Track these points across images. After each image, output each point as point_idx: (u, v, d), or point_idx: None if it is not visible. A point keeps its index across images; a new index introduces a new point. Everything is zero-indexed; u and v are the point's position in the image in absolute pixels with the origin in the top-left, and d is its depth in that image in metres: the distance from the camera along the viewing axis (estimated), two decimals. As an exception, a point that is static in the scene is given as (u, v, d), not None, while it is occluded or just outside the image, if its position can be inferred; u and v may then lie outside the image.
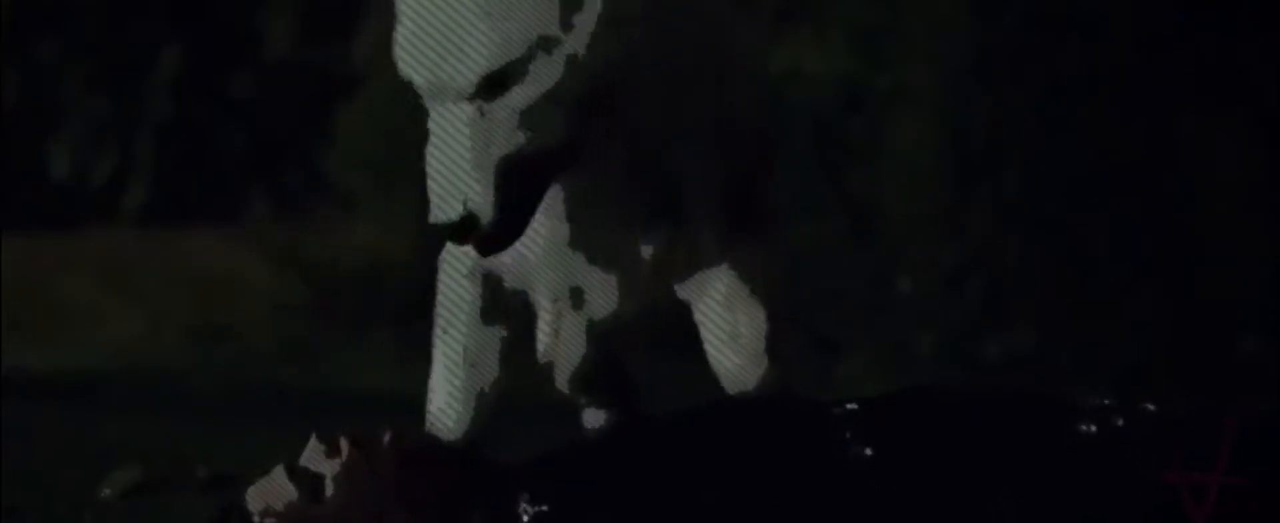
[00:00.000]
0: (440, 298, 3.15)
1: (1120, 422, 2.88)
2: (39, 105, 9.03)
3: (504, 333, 3.14)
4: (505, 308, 3.14)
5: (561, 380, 3.32)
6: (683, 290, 3.15)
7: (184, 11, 9.01)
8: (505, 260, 3.04)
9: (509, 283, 3.12)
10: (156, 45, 8.99)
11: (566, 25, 2.89)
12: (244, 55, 9.02)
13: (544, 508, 2.89)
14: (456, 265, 3.14)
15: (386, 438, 2.97)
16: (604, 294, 3.11)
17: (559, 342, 3.24)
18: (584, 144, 2.94)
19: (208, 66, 9.00)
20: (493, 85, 2.88)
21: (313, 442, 2.98)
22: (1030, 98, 6.78)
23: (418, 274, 7.43)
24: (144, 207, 8.92)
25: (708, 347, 3.15)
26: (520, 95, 2.89)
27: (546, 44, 2.88)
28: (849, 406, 2.93)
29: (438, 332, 3.15)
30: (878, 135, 6.90)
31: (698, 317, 3.15)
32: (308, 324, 7.78)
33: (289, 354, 7.42)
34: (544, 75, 2.89)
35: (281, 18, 8.98)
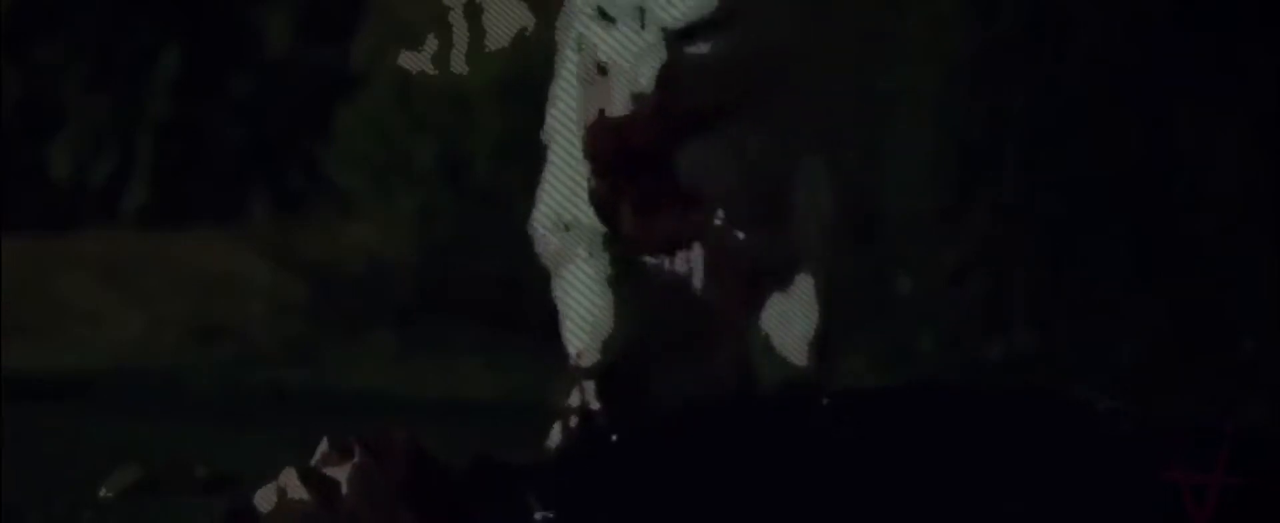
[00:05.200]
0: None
1: (1121, 422, 2.88)
2: (39, 105, 9.03)
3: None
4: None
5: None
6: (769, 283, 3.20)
7: (184, 11, 9.00)
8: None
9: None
10: (156, 45, 8.99)
11: None
12: (244, 55, 9.02)
13: (551, 510, 2.89)
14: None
15: (397, 440, 2.97)
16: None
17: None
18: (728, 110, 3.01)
19: (208, 66, 9.00)
20: (682, 35, 2.97)
21: (324, 444, 2.98)
22: (1030, 98, 6.78)
23: (418, 274, 7.45)
24: (144, 207, 8.92)
25: (772, 340, 3.21)
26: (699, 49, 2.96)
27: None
28: (850, 404, 2.93)
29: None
30: (878, 135, 6.90)
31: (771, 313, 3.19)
32: (308, 324, 7.78)
33: (289, 354, 7.41)
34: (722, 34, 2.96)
35: (281, 18, 8.98)
